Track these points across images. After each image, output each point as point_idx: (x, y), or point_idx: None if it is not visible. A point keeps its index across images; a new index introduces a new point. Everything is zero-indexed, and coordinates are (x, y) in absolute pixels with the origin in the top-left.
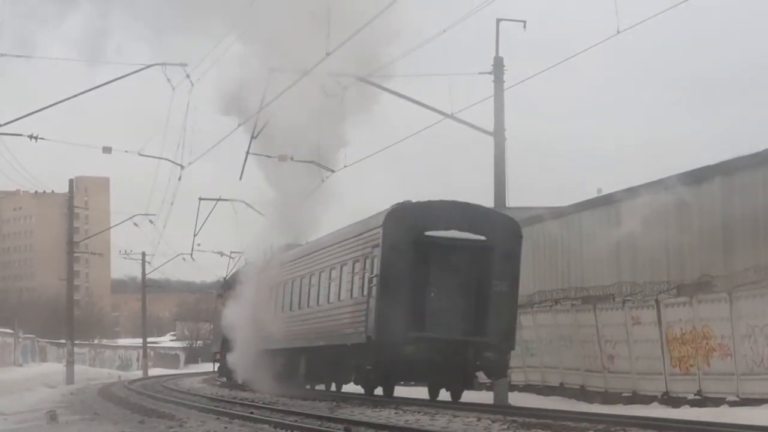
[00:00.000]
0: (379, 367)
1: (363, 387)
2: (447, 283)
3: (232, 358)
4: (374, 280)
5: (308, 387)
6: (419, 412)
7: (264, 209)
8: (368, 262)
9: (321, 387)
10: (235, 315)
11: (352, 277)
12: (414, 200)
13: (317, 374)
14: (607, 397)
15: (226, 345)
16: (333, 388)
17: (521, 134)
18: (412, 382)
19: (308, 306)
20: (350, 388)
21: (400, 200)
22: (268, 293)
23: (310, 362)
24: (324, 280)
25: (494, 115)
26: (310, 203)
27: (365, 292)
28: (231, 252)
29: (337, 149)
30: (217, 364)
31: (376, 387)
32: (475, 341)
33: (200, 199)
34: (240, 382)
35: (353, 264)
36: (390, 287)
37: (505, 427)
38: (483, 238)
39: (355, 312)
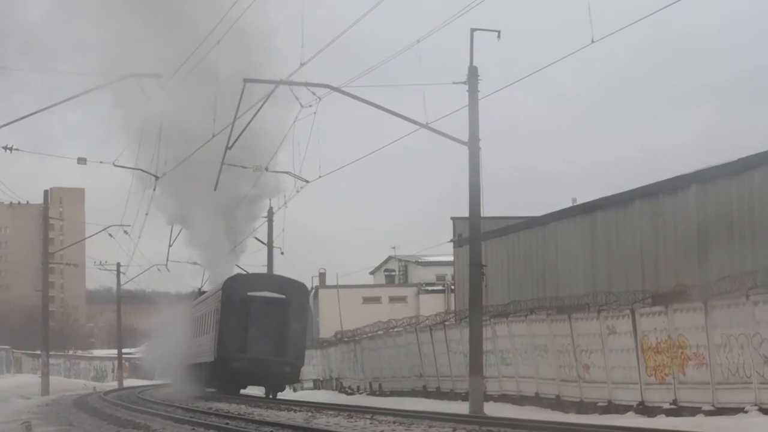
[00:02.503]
0: (220, 376)
1: (218, 389)
2: (261, 323)
3: (167, 369)
4: (218, 322)
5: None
6: (394, 422)
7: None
8: (216, 311)
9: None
10: (169, 339)
11: (212, 319)
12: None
13: (211, 381)
14: (583, 407)
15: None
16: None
17: (497, 143)
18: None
19: (201, 336)
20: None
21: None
22: (189, 324)
23: (207, 373)
24: (205, 319)
25: (469, 125)
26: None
27: (214, 329)
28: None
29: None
30: None
31: (224, 389)
32: (278, 360)
33: None
34: (170, 385)
35: (212, 311)
36: (226, 326)
37: None
38: (283, 296)
39: (211, 341)
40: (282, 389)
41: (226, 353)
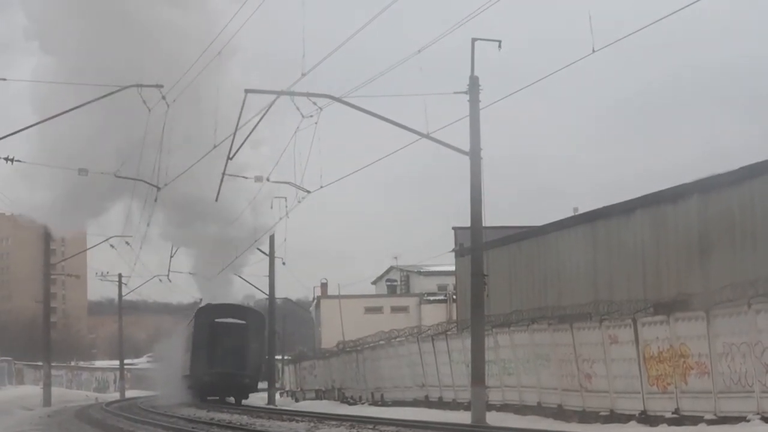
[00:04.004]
0: (194, 387)
1: (196, 398)
2: (226, 344)
3: (162, 379)
4: (191, 343)
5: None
6: None
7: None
8: (190, 334)
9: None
10: (166, 354)
11: (189, 340)
12: (212, 303)
13: (193, 390)
14: (585, 416)
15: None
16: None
17: (498, 154)
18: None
19: (185, 353)
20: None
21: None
22: (180, 343)
23: (186, 384)
24: (186, 340)
25: (470, 135)
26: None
27: (188, 349)
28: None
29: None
30: None
31: (200, 398)
32: (239, 373)
33: None
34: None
35: (189, 334)
36: (197, 346)
37: None
38: (244, 322)
39: (188, 358)
40: (246, 397)
41: (197, 368)
